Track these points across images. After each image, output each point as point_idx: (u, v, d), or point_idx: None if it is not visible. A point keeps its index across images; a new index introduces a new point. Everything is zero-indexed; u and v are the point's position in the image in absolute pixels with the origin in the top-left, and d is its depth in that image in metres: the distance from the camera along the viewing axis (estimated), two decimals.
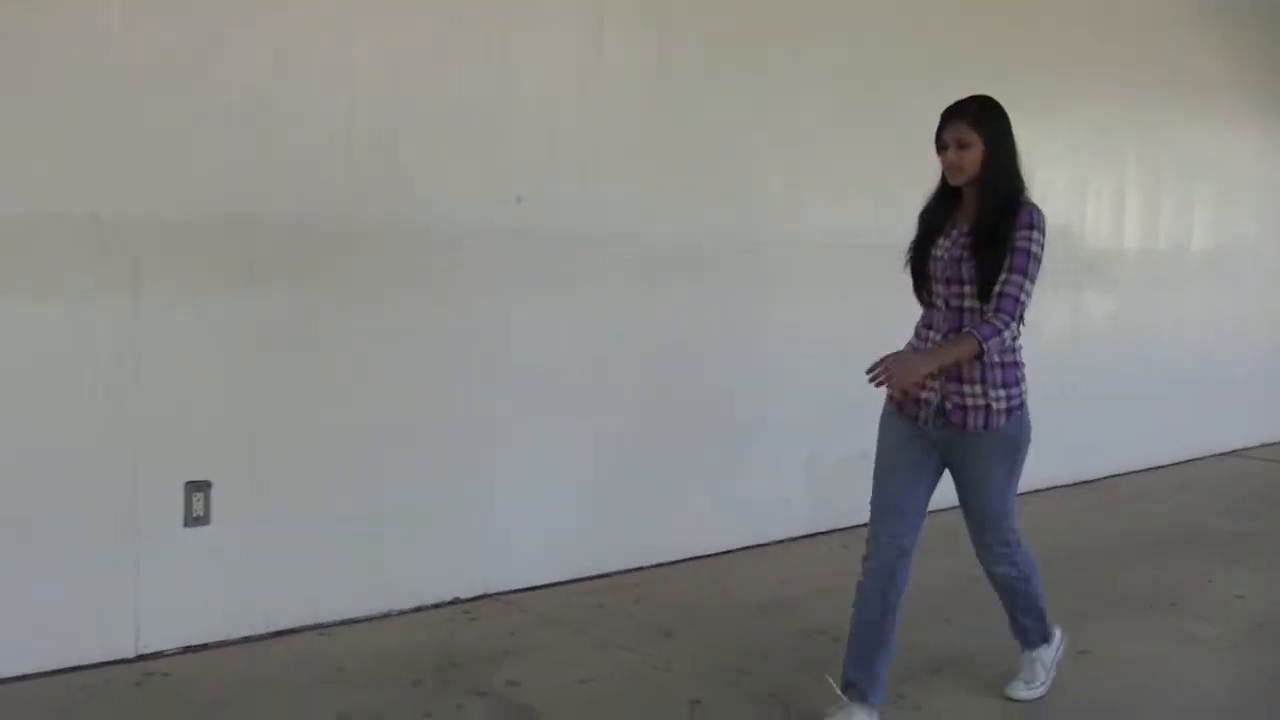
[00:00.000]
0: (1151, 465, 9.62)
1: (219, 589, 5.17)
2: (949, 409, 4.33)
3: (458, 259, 5.70)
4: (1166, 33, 9.39)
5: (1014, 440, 4.41)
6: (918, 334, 4.49)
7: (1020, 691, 4.85)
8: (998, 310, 4.18)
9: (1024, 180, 4.35)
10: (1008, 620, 4.84)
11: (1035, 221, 4.23)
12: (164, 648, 5.02)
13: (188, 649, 5.07)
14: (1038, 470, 8.36)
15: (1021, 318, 4.21)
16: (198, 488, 5.06)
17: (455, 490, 5.80)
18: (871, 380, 4.11)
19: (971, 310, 4.28)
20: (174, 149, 4.90)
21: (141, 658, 4.96)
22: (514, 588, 5.97)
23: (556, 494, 6.13)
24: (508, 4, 5.71)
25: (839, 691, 4.42)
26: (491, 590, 5.91)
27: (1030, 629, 4.82)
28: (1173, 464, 9.80)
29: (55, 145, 4.65)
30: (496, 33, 5.67)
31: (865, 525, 4.47)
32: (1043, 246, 4.24)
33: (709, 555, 6.71)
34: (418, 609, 5.67)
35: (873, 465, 4.52)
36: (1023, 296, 4.19)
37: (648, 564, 6.45)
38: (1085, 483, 9.00)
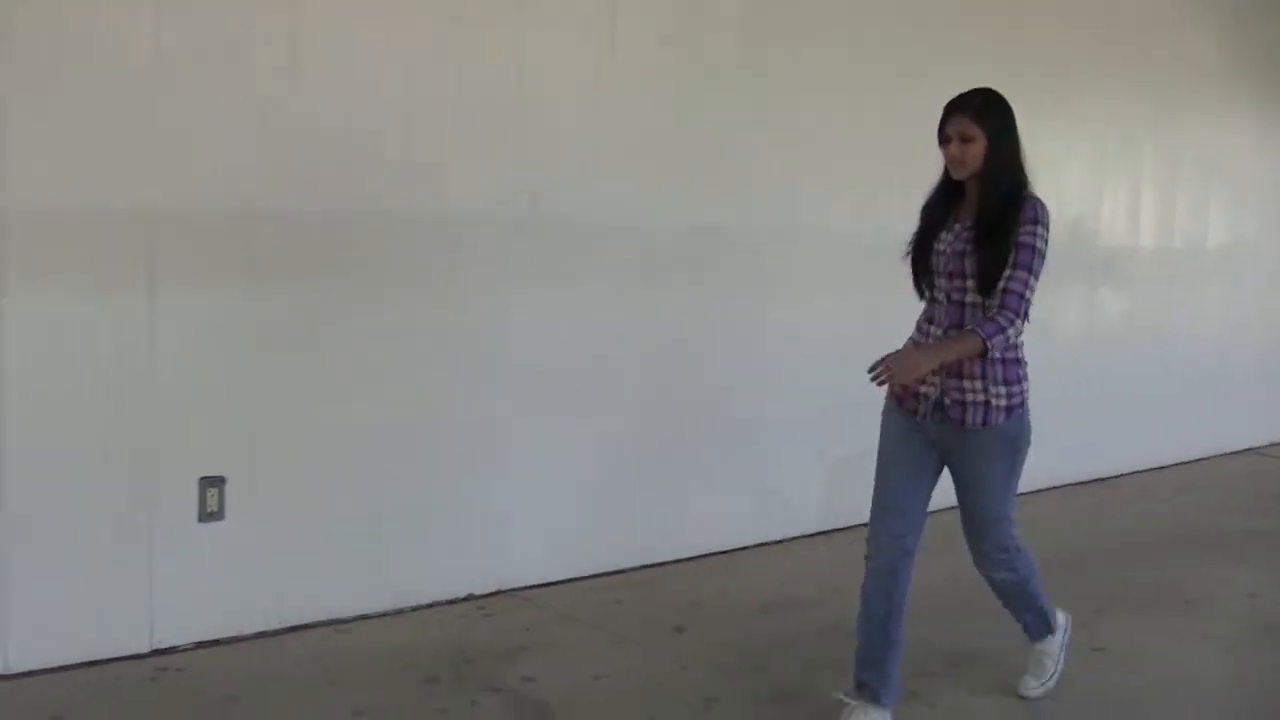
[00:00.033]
0: (1165, 463, 9.58)
1: (233, 584, 5.17)
2: (948, 404, 4.28)
3: (482, 247, 5.73)
4: (1181, 30, 9.36)
5: (1014, 439, 4.36)
6: (919, 329, 4.45)
7: (1031, 687, 4.82)
8: (1002, 307, 4.13)
9: (1027, 174, 4.30)
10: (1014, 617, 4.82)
11: (1039, 216, 4.18)
12: (178, 643, 5.03)
13: (202, 644, 5.07)
14: (1051, 468, 8.46)
15: (1026, 314, 4.17)
16: (212, 483, 5.07)
17: (469, 486, 5.80)
18: (874, 379, 4.07)
19: (974, 305, 4.23)
20: (188, 147, 4.90)
21: (156, 653, 4.96)
22: (528, 584, 5.96)
23: (570, 491, 6.13)
24: (518, 3, 5.71)
25: (847, 701, 4.41)
26: (506, 586, 5.90)
27: (1033, 624, 4.79)
28: (1186, 462, 9.76)
29: (73, 143, 4.66)
30: (501, 32, 5.66)
31: None
32: (1047, 242, 4.19)
33: (723, 552, 6.70)
34: (432, 605, 5.67)
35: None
36: (1027, 293, 4.15)
37: (661, 561, 6.44)
38: (1099, 480, 8.97)
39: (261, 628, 5.23)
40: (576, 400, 6.14)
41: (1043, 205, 4.21)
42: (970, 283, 4.21)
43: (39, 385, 4.67)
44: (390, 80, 5.38)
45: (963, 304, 4.26)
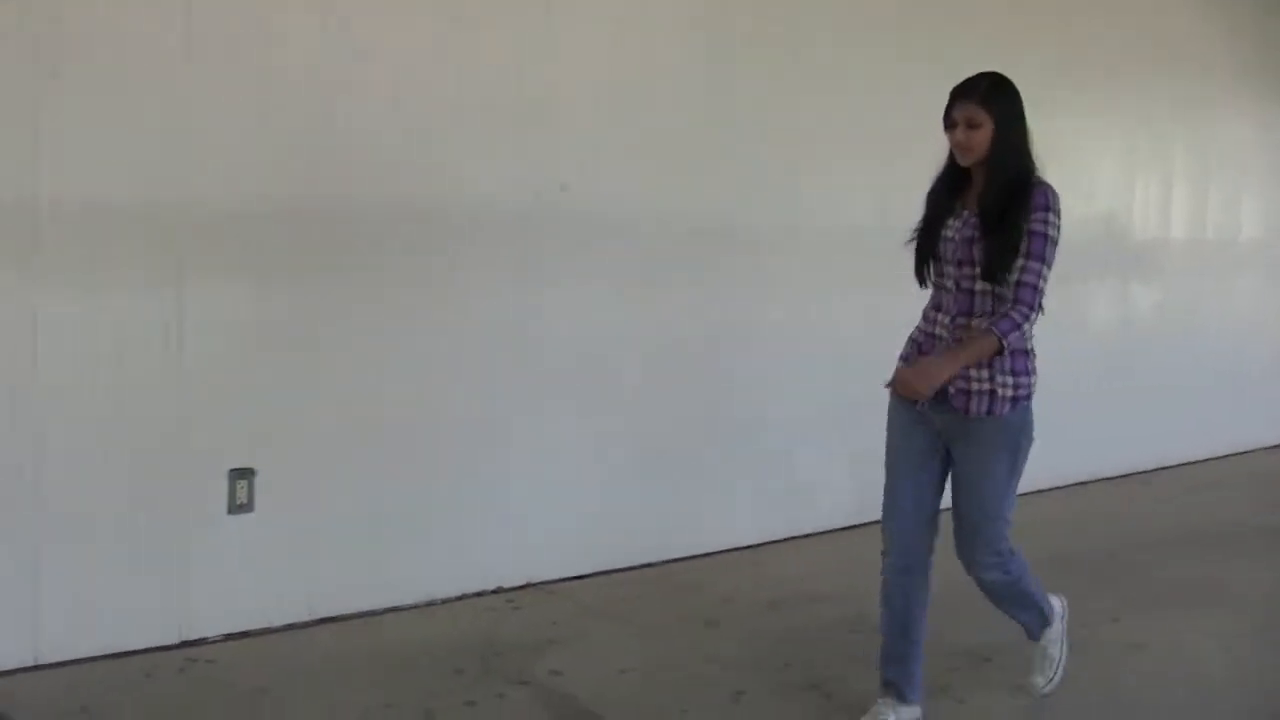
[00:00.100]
0: (1198, 458, 9.50)
1: (262, 576, 5.18)
2: (952, 393, 4.14)
3: (509, 238, 5.74)
4: (1214, 25, 9.29)
5: (1017, 431, 4.20)
6: (925, 317, 4.34)
7: (1039, 685, 4.67)
8: (1016, 301, 4.04)
9: (1035, 160, 4.19)
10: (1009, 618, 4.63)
11: (1050, 203, 4.08)
12: (208, 635, 5.04)
13: (231, 636, 5.08)
14: (1082, 462, 8.44)
15: (1040, 306, 4.07)
16: (241, 475, 5.07)
17: (499, 479, 5.80)
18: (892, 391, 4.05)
19: (983, 292, 4.13)
20: (218, 145, 4.92)
21: (185, 644, 4.98)
22: (557, 577, 5.96)
23: (601, 483, 6.13)
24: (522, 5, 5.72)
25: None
26: (534, 580, 5.90)
27: (1031, 622, 4.60)
28: (1218, 457, 9.69)
29: (103, 142, 4.67)
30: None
31: None
32: (1059, 229, 4.10)
33: (751, 546, 6.69)
34: (461, 597, 5.67)
35: None
36: (1040, 284, 4.06)
37: (690, 554, 6.43)
38: (1132, 475, 8.91)
39: (291, 620, 5.24)
40: (621, 390, 6.17)
41: (1053, 191, 4.12)
42: (979, 270, 4.12)
43: (71, 378, 4.68)
44: (408, 80, 5.38)
45: (972, 291, 4.16)
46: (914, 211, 4.36)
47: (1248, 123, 9.82)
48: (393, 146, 5.37)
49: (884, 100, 6.94)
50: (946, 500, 4.32)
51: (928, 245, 4.28)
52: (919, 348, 4.31)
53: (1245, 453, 9.93)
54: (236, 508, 5.07)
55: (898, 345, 4.37)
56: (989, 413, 4.13)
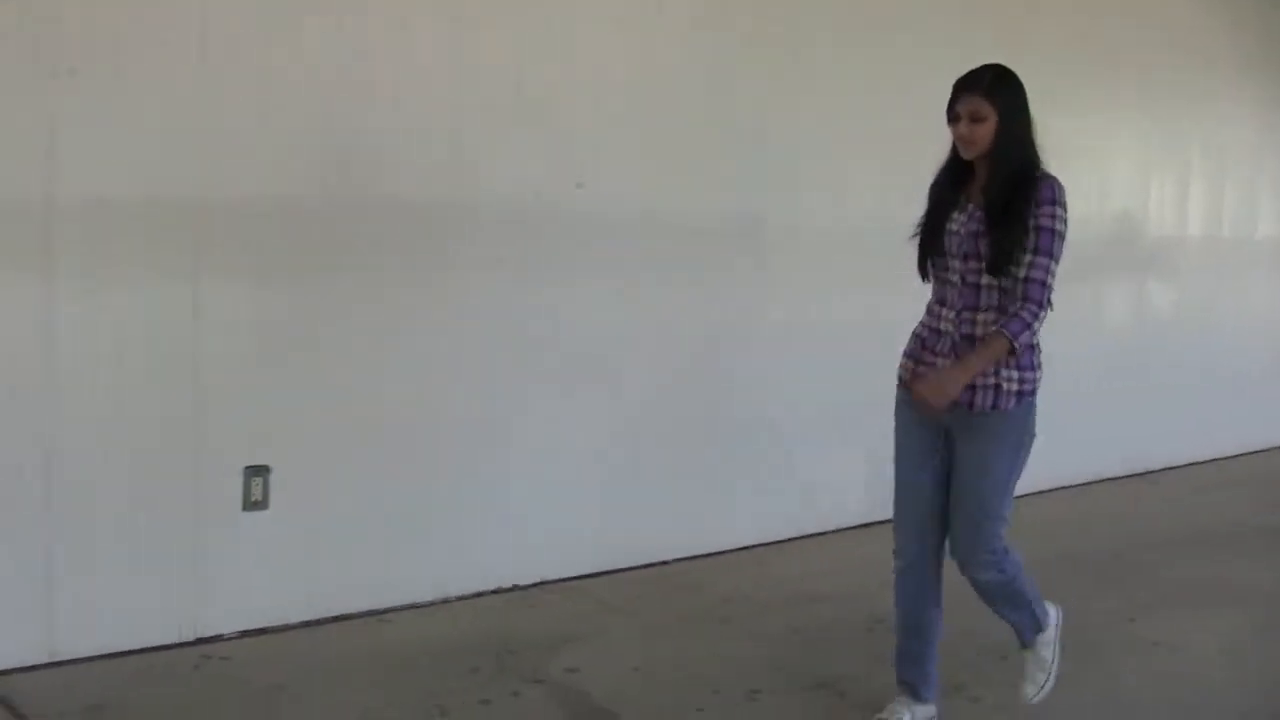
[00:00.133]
0: (1214, 456, 9.49)
1: (277, 573, 5.18)
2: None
3: (509, 238, 5.73)
4: (1229, 21, 9.28)
5: (1021, 427, 4.15)
6: (930, 311, 4.29)
7: (1029, 693, 4.45)
8: (1025, 299, 3.99)
9: (1039, 152, 4.13)
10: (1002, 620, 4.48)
11: (1057, 196, 4.03)
12: (222, 632, 5.04)
13: (246, 633, 5.08)
14: (1097, 460, 8.42)
15: (1049, 302, 4.02)
16: (256, 472, 5.08)
17: (513, 476, 5.79)
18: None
19: (989, 286, 4.08)
20: (235, 141, 4.91)
21: (200, 641, 4.97)
22: (572, 575, 5.96)
23: (614, 481, 6.13)
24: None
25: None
26: (549, 577, 5.90)
27: (1024, 625, 4.42)
28: (1232, 456, 9.67)
29: (122, 136, 4.67)
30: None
31: None
32: (1066, 222, 4.04)
33: (766, 544, 6.68)
34: (476, 595, 5.67)
35: None
36: (1049, 279, 4.01)
37: (706, 552, 6.43)
38: (1147, 473, 8.91)
39: (306, 617, 5.23)
40: (629, 387, 6.16)
41: (1059, 184, 4.06)
42: (985, 264, 4.07)
43: (84, 376, 4.68)
44: (412, 80, 5.36)
45: (977, 285, 4.11)
46: (916, 210, 4.33)
47: (1269, 118, 9.79)
48: (396, 146, 5.35)
49: (885, 100, 6.88)
50: None
51: (931, 239, 4.23)
52: (923, 343, 4.27)
53: (1256, 452, 9.90)
54: (251, 505, 5.07)
55: (903, 343, 4.35)
56: (994, 407, 4.09)
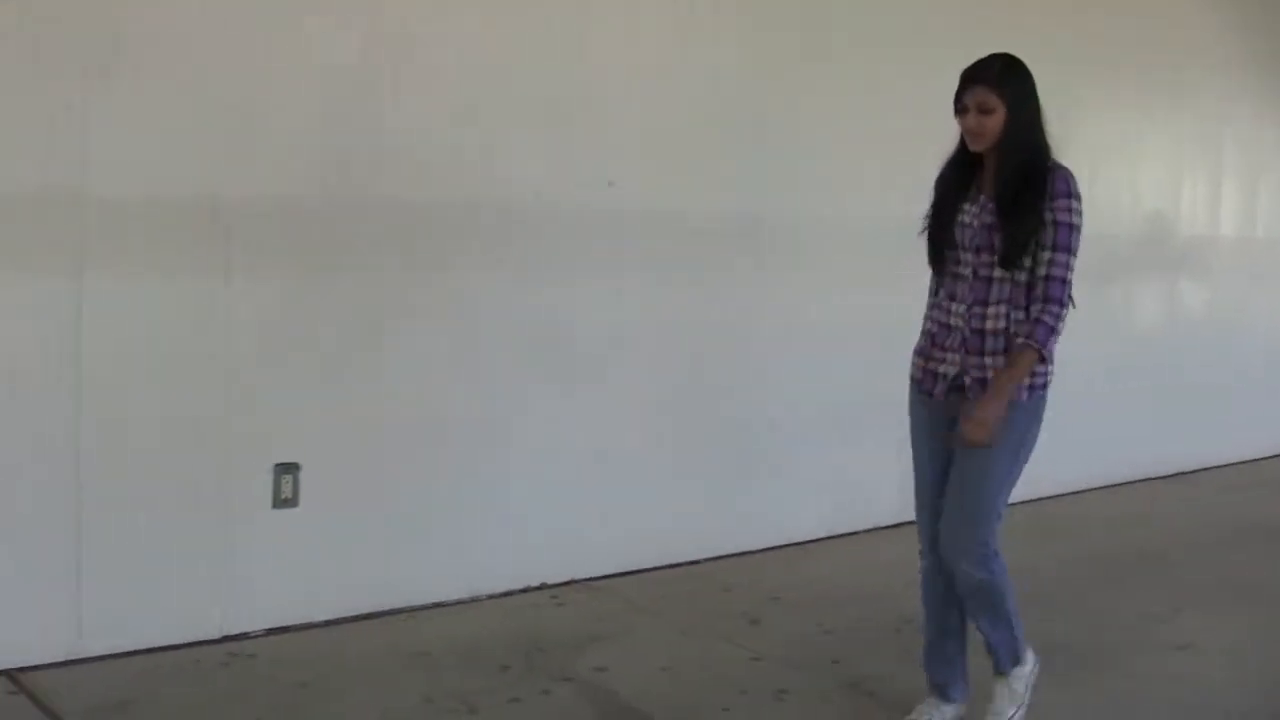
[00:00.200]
0: (1247, 457, 9.42)
1: (306, 571, 5.18)
2: (968, 384, 4.06)
3: (561, 231, 5.74)
4: (1259, 18, 9.22)
5: (1029, 419, 4.06)
6: (940, 306, 4.22)
7: None
8: (1046, 299, 3.93)
9: (1049, 142, 4.05)
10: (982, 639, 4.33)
11: (1071, 188, 3.95)
12: (250, 629, 5.04)
13: (274, 630, 5.09)
14: (1129, 460, 8.37)
15: (1070, 299, 3.96)
16: (286, 470, 5.08)
17: (543, 474, 5.79)
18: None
19: (1000, 280, 4.01)
20: (264, 136, 4.94)
21: (228, 638, 4.98)
22: (601, 573, 5.95)
23: (644, 480, 6.11)
24: None
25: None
26: (578, 576, 5.89)
27: (1002, 646, 4.27)
28: (1270, 456, 9.60)
29: (153, 129, 4.68)
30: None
31: None
32: (1081, 214, 3.97)
33: (797, 543, 6.66)
34: (505, 594, 5.67)
35: None
36: (1069, 276, 3.94)
37: (736, 551, 6.41)
38: (1179, 474, 8.85)
39: (334, 614, 5.24)
40: (662, 387, 6.16)
41: (1072, 175, 3.99)
42: (998, 257, 4.00)
43: (116, 369, 4.70)
44: (436, 80, 5.37)
45: (989, 279, 4.04)
46: (917, 209, 4.28)
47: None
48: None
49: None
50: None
51: (941, 232, 4.17)
52: (932, 339, 4.21)
53: None
54: (281, 502, 5.08)
55: (902, 342, 4.34)
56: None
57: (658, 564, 6.13)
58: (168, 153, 4.72)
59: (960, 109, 4.03)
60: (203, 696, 4.53)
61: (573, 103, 5.76)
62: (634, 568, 6.05)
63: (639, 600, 5.72)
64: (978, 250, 4.05)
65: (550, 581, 5.81)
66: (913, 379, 4.29)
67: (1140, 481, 8.53)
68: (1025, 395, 4.03)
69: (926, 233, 4.22)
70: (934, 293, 4.32)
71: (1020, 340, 3.95)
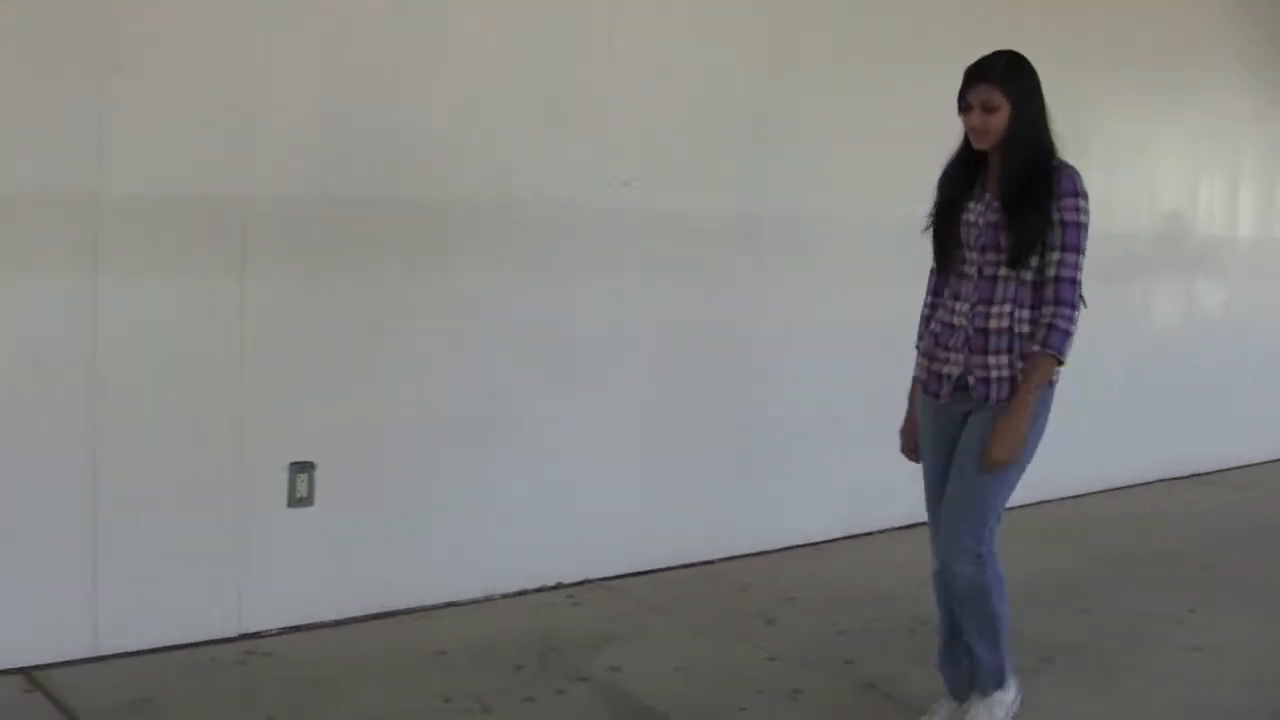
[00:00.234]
0: (1262, 459, 9.37)
1: (321, 570, 5.19)
2: (972, 384, 4.02)
3: (561, 231, 5.73)
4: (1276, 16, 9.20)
5: (1037, 419, 4.00)
6: (944, 306, 4.17)
7: None
8: (1057, 301, 3.89)
9: (1054, 139, 4.01)
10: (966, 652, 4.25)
11: (1078, 187, 3.91)
12: (266, 627, 5.05)
13: (289, 629, 5.09)
14: (1146, 461, 8.34)
15: (1081, 299, 3.93)
16: (301, 469, 5.09)
17: (557, 474, 5.78)
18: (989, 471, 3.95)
19: (1006, 279, 3.98)
20: (282, 135, 4.95)
21: (245, 636, 4.99)
22: (616, 573, 5.95)
23: (659, 481, 6.11)
24: None
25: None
26: (594, 575, 5.89)
27: (988, 665, 4.19)
28: None
29: (170, 128, 4.69)
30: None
31: None
32: (1089, 213, 3.92)
33: (812, 544, 6.65)
34: (520, 593, 5.67)
35: None
36: (1079, 276, 3.90)
37: (750, 552, 6.40)
38: (1197, 475, 8.82)
39: (349, 613, 5.24)
40: (674, 388, 6.15)
41: (1078, 173, 3.95)
42: (1004, 256, 3.96)
43: (133, 368, 4.71)
44: (444, 74, 5.37)
45: (994, 278, 4.00)
46: (917, 209, 4.26)
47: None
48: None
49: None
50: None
51: (947, 231, 4.13)
52: (936, 339, 4.17)
53: None
54: (296, 501, 5.09)
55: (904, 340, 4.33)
56: (1009, 399, 3.97)
57: (672, 564, 6.13)
58: (169, 153, 4.72)
59: (964, 107, 3.99)
60: (218, 695, 4.53)
61: (573, 103, 5.74)
62: (648, 567, 6.05)
63: (653, 600, 5.72)
64: (983, 249, 4.03)
65: (564, 581, 5.81)
66: (918, 380, 4.27)
67: (1158, 481, 8.50)
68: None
69: (931, 231, 4.20)
70: (933, 291, 4.30)
71: (1036, 348, 3.92)
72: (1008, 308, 3.98)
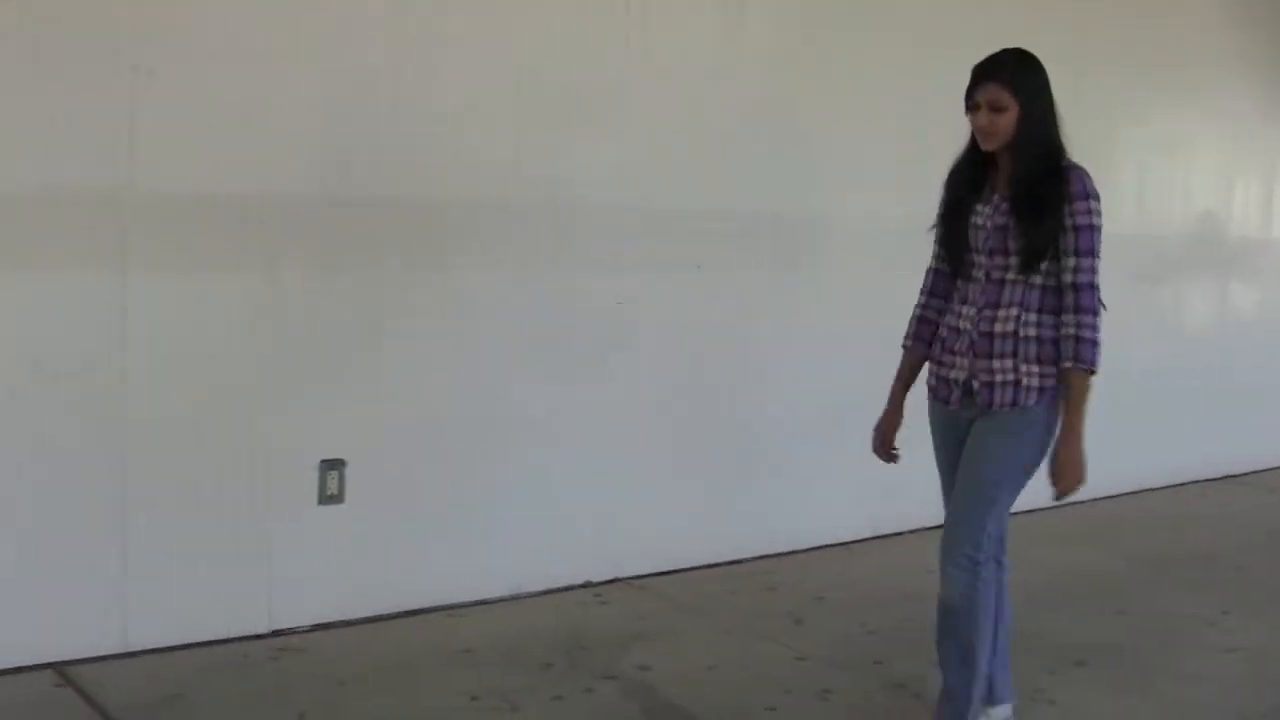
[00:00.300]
0: None
1: (351, 567, 5.20)
2: (977, 388, 3.91)
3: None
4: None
5: (1041, 426, 3.91)
6: (951, 310, 4.10)
7: None
8: (1078, 309, 3.82)
9: (1063, 139, 3.93)
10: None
11: (1089, 189, 3.81)
12: (296, 624, 5.07)
13: (319, 626, 5.11)
14: (1178, 462, 8.30)
15: (1101, 303, 3.85)
16: (332, 466, 5.10)
17: (586, 472, 5.79)
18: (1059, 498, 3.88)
19: (1013, 282, 3.90)
20: (305, 134, 4.97)
21: (275, 633, 5.01)
22: (645, 572, 5.95)
23: (689, 479, 6.11)
24: None
25: None
26: (623, 574, 5.90)
27: (956, 691, 4.07)
28: None
29: (196, 127, 4.71)
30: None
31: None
32: (1101, 214, 3.84)
33: (842, 544, 6.65)
34: (548, 591, 5.67)
35: None
36: (1097, 280, 3.83)
37: (780, 551, 6.40)
38: (1232, 476, 8.78)
39: (379, 611, 5.26)
40: (708, 386, 6.16)
41: (1088, 174, 3.87)
42: (1013, 260, 3.89)
43: (163, 365, 4.73)
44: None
45: (1002, 282, 3.92)
46: (918, 209, 4.24)
47: None
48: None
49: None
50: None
51: (955, 233, 4.06)
52: (943, 344, 4.11)
53: None
54: (327, 499, 5.10)
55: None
56: (1014, 404, 3.89)
57: (700, 563, 6.13)
58: (214, 151, 4.75)
59: (972, 106, 3.92)
60: (249, 691, 4.54)
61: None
62: (677, 567, 6.05)
63: (682, 599, 5.71)
64: (990, 253, 3.95)
65: (594, 579, 5.81)
66: (928, 385, 4.21)
67: (1190, 483, 8.47)
68: (1034, 399, 3.90)
69: (936, 233, 4.15)
70: (928, 290, 4.24)
71: (1068, 365, 3.85)
72: (1014, 311, 3.91)
